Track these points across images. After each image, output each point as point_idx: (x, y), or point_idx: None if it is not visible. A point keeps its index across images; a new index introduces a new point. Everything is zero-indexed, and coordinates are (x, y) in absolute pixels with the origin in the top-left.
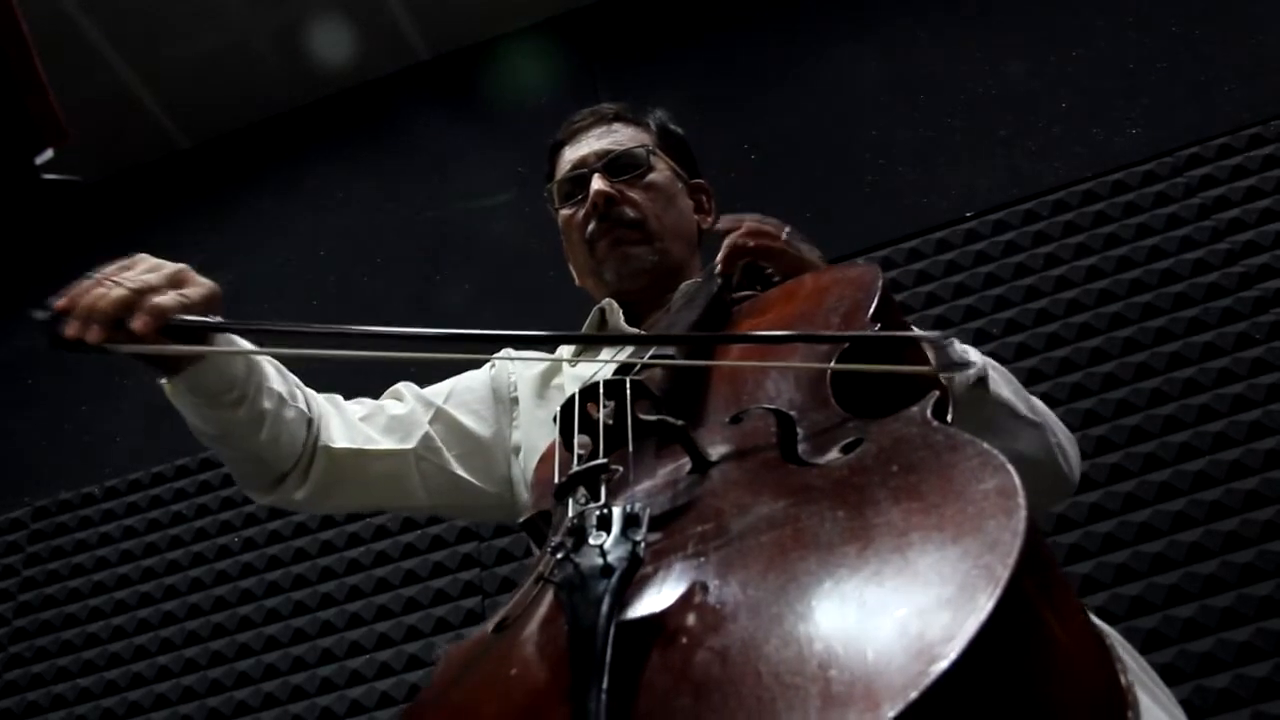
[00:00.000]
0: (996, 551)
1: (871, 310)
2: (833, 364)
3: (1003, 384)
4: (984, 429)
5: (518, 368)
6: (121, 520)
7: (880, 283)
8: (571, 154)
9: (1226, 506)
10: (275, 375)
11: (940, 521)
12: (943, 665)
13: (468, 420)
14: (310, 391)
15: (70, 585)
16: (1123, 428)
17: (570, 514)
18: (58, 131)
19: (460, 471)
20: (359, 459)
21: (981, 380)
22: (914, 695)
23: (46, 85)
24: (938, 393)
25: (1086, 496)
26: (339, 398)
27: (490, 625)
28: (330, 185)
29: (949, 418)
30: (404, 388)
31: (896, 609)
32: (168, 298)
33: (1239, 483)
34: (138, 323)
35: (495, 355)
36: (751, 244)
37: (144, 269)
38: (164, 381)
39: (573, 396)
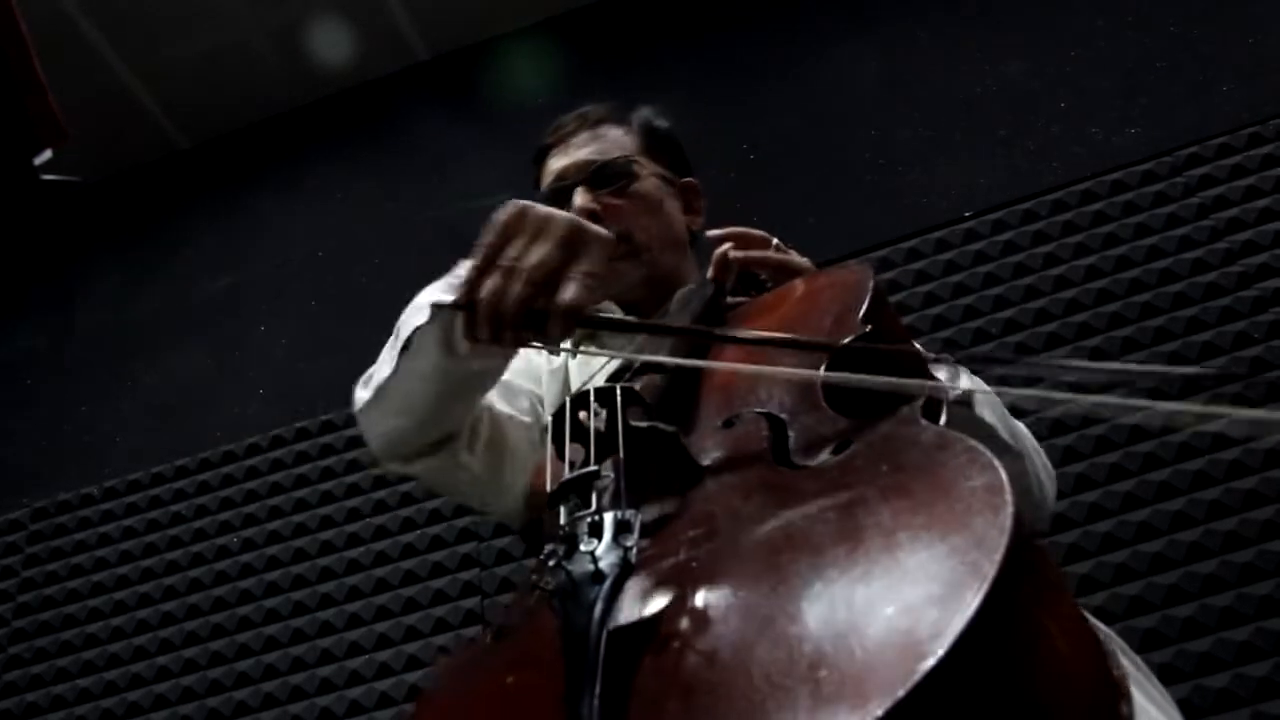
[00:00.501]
0: (983, 548)
1: (863, 312)
2: (821, 372)
3: (987, 407)
4: None
5: (540, 359)
6: (120, 521)
7: (872, 284)
8: (555, 165)
9: (1226, 506)
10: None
11: (928, 520)
12: (930, 662)
13: (540, 404)
14: None
15: (69, 586)
16: (1121, 427)
17: (563, 521)
18: (57, 132)
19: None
20: (508, 425)
21: (966, 400)
22: (902, 693)
23: (46, 86)
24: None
25: (1085, 496)
26: None
27: (487, 633)
28: (329, 185)
29: (941, 419)
30: None
31: (885, 608)
32: (577, 293)
33: (1238, 482)
34: (553, 330)
35: None
36: (740, 255)
37: (530, 237)
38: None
39: (564, 404)
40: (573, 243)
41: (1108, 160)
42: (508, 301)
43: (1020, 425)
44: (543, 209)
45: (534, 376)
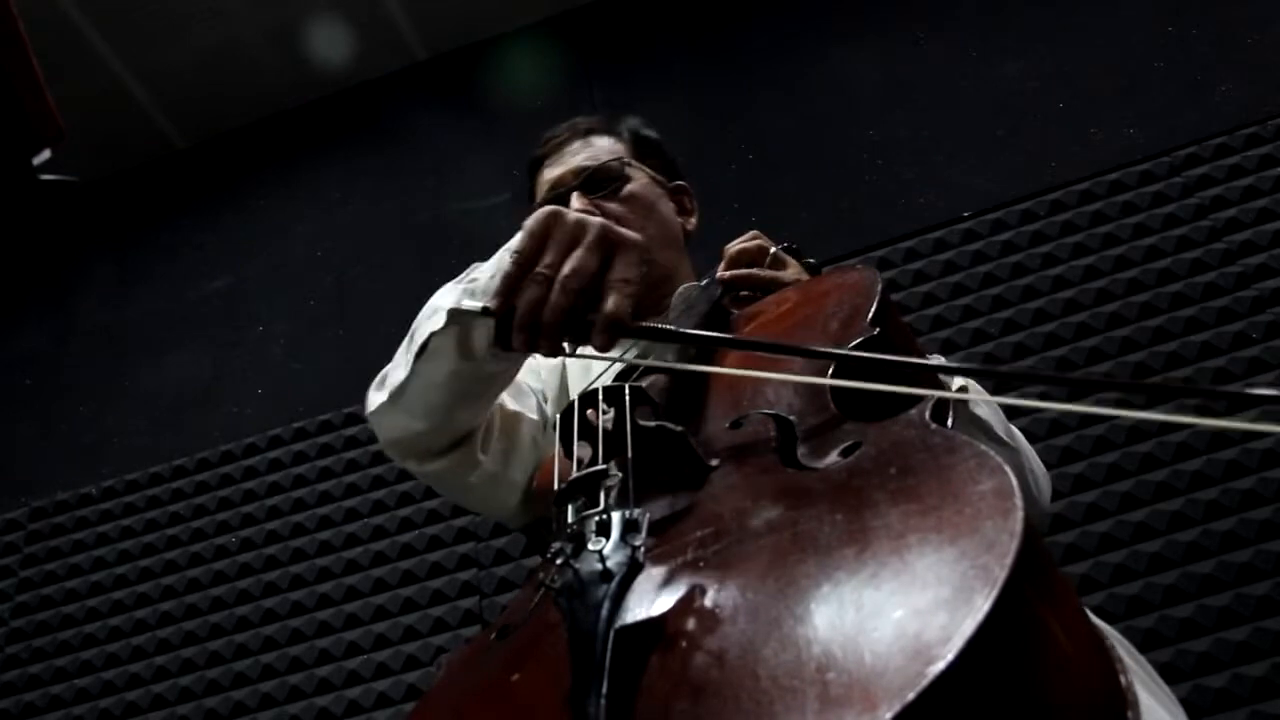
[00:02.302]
0: (993, 552)
1: (871, 314)
2: (829, 375)
3: (983, 406)
4: None
5: (543, 362)
6: (119, 521)
7: (879, 287)
8: (549, 174)
9: (1224, 506)
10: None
11: (938, 523)
12: (940, 666)
13: (546, 403)
14: None
15: (67, 586)
16: (1120, 427)
17: (570, 520)
18: (55, 131)
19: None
20: (518, 423)
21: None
22: (911, 696)
23: (43, 85)
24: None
25: (1084, 496)
26: None
27: (491, 631)
28: (327, 185)
29: (949, 421)
30: None
31: (894, 611)
32: (620, 304)
33: (1236, 482)
34: (597, 342)
35: None
36: (726, 275)
37: (566, 244)
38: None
39: (572, 403)
40: (608, 248)
41: (1106, 160)
42: (548, 311)
43: (1011, 426)
44: (575, 214)
45: (537, 373)
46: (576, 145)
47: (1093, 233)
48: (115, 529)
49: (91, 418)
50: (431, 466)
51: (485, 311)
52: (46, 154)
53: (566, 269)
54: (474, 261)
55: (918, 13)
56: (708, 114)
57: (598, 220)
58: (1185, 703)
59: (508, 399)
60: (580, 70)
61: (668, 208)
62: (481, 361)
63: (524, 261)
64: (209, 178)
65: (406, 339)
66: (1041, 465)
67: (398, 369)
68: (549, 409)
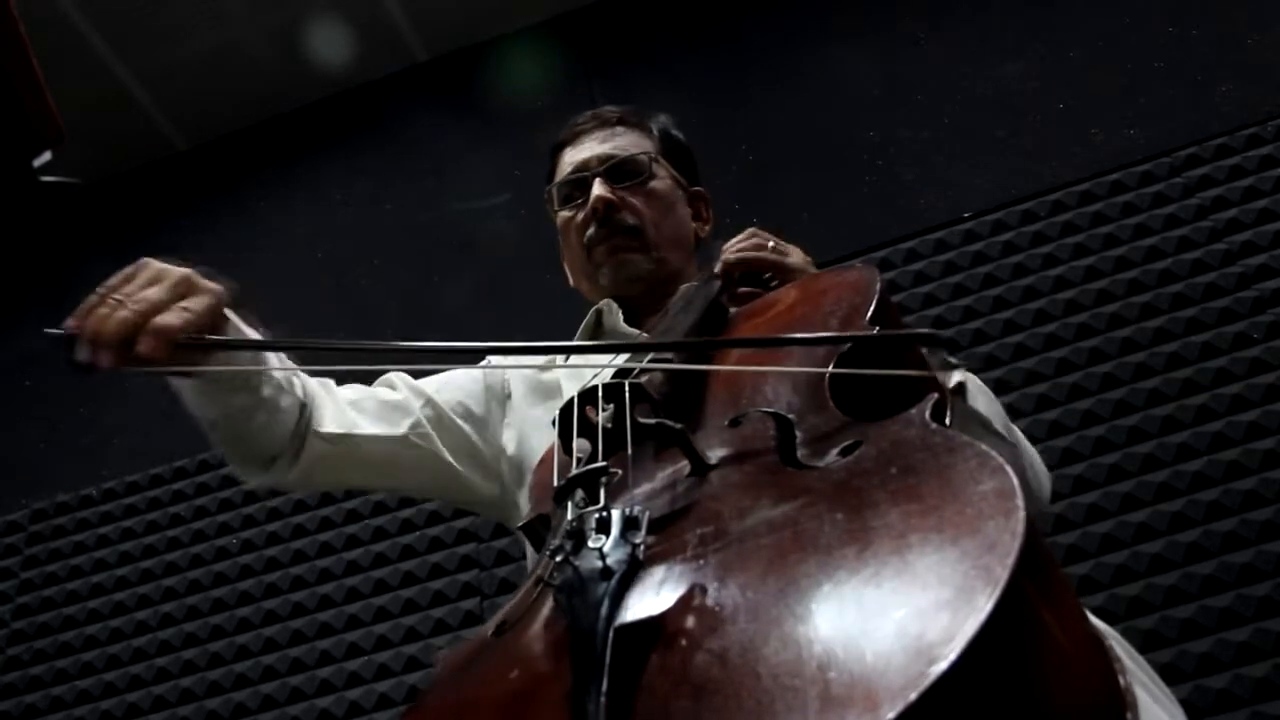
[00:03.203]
0: (995, 552)
1: (870, 313)
2: (830, 368)
3: (980, 398)
4: None
5: (496, 379)
6: (119, 522)
7: (878, 285)
8: (573, 156)
9: (1225, 506)
10: (275, 363)
11: (939, 523)
12: (942, 666)
13: (459, 414)
14: (305, 376)
15: (68, 588)
16: (1120, 428)
17: (569, 517)
18: (56, 133)
19: (453, 462)
20: (346, 443)
21: (960, 390)
22: (913, 696)
23: (44, 87)
24: (936, 395)
25: (1084, 497)
26: (331, 383)
27: (489, 628)
28: (328, 186)
29: (948, 420)
30: (396, 377)
31: (895, 611)
32: (172, 317)
33: (1237, 483)
34: (143, 347)
35: (489, 359)
36: (735, 258)
37: (146, 281)
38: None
39: (571, 400)
40: (184, 290)
41: (1106, 161)
42: (110, 323)
43: (1014, 427)
44: (162, 265)
45: (475, 391)
46: (604, 133)
47: (1093, 233)
48: (116, 531)
49: (92, 419)
50: (262, 481)
51: (64, 330)
52: (47, 156)
53: (136, 295)
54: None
55: (918, 13)
56: (708, 115)
57: (183, 270)
58: (1186, 703)
59: (354, 421)
60: (580, 71)
61: (685, 211)
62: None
63: (105, 293)
64: (209, 179)
65: None
66: (1042, 465)
67: None
68: (467, 427)
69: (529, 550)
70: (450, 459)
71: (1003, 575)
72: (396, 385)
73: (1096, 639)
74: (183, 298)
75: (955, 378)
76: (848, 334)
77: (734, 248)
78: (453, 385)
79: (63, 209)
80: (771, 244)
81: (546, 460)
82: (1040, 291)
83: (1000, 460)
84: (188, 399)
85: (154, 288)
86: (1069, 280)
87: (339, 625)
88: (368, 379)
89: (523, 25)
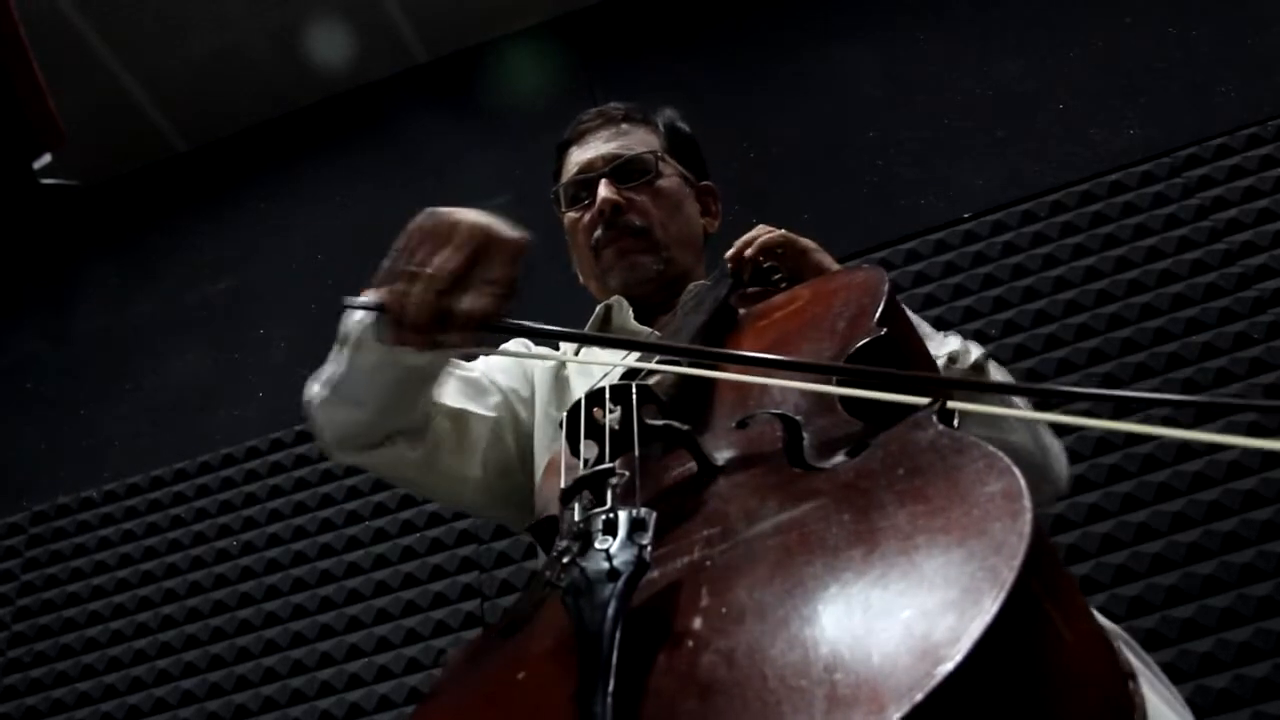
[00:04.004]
0: (1002, 554)
1: (878, 315)
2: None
3: (998, 376)
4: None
5: (534, 361)
6: (120, 524)
7: (886, 286)
8: (579, 156)
9: (1225, 507)
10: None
11: (946, 524)
12: (948, 667)
13: (519, 402)
14: None
15: (69, 589)
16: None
17: (576, 518)
18: (55, 135)
19: (513, 452)
20: (466, 420)
21: (979, 369)
22: (919, 697)
23: (45, 89)
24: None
25: (1085, 497)
26: None
27: (495, 629)
28: (328, 188)
29: (955, 422)
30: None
31: (902, 612)
32: (478, 302)
33: (1237, 483)
34: (452, 340)
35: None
36: (751, 251)
37: (439, 242)
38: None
39: (578, 402)
40: (478, 247)
41: (1106, 161)
42: (411, 307)
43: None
44: (453, 214)
45: (520, 374)
46: (610, 131)
47: (1093, 234)
48: (116, 532)
49: (92, 421)
50: (364, 459)
51: (368, 307)
52: (47, 158)
53: (430, 267)
54: None
55: (918, 12)
56: (708, 115)
57: (474, 220)
58: (1187, 703)
59: (458, 397)
60: (580, 72)
61: (693, 208)
62: (402, 354)
63: (398, 259)
64: (210, 180)
65: (341, 333)
66: (1059, 443)
67: (333, 363)
68: (522, 410)
69: (539, 551)
70: (513, 449)
71: (1009, 576)
72: (471, 366)
73: (1103, 638)
74: (480, 260)
75: (974, 355)
76: (849, 366)
77: (756, 239)
78: (500, 368)
79: (62, 211)
80: (784, 234)
81: (554, 462)
82: (1040, 292)
83: (1008, 462)
84: (364, 368)
85: (445, 250)
86: (1069, 281)
87: (339, 627)
88: None
89: (522, 26)
